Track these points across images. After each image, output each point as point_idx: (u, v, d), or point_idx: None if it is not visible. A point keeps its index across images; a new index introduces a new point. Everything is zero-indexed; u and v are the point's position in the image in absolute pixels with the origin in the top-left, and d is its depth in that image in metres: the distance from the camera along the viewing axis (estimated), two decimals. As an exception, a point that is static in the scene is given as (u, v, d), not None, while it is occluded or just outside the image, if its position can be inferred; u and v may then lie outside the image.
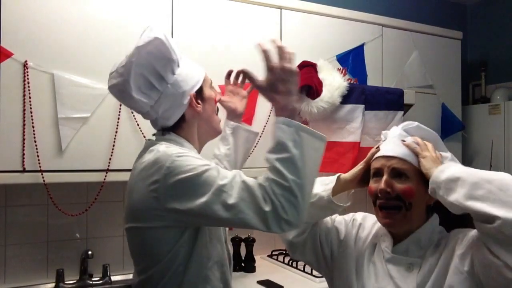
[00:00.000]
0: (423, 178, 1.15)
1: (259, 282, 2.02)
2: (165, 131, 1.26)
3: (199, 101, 1.25)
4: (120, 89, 1.18)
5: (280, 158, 1.06)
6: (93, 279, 2.02)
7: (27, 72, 1.68)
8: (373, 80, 2.51)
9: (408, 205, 1.15)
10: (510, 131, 2.83)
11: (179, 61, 1.22)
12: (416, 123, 1.27)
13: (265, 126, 2.15)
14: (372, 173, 1.24)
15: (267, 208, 1.03)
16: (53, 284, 1.95)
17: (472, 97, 3.34)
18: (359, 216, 1.38)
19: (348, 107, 2.24)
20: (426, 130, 1.26)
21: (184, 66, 1.24)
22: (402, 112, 2.40)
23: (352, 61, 2.44)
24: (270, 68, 1.10)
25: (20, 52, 1.67)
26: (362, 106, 2.26)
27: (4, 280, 1.93)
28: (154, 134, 1.31)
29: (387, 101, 2.35)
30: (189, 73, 1.24)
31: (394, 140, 1.24)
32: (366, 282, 1.22)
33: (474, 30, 3.41)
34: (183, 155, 1.11)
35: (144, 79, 1.17)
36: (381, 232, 1.27)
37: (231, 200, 1.04)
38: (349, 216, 1.40)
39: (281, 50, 1.10)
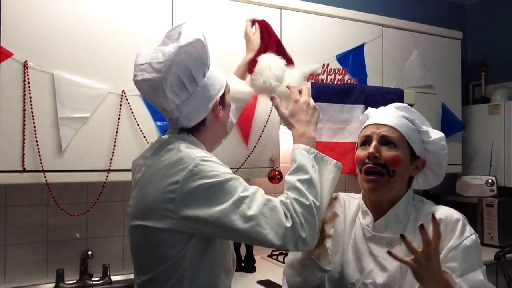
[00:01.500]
0: (410, 148, 1.23)
1: (259, 282, 2.02)
2: (181, 131, 1.23)
3: (221, 107, 1.25)
4: (154, 85, 1.14)
5: (302, 179, 1.13)
6: (93, 279, 2.01)
7: (27, 72, 1.68)
8: (373, 80, 2.51)
9: (391, 172, 1.21)
10: (510, 131, 2.83)
11: (209, 64, 1.22)
12: (404, 104, 1.33)
13: (264, 127, 2.15)
14: (361, 142, 1.29)
15: (288, 224, 1.06)
16: (53, 284, 1.95)
17: (472, 97, 3.34)
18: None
19: (348, 107, 2.24)
20: (414, 112, 1.32)
21: (212, 69, 1.23)
22: (402, 112, 2.40)
23: (352, 61, 2.44)
24: (295, 101, 1.28)
25: (20, 52, 1.67)
26: (362, 106, 2.26)
27: (4, 280, 1.93)
28: (166, 130, 1.30)
29: (387, 101, 2.33)
30: (217, 78, 1.24)
31: (385, 110, 1.30)
32: (348, 261, 1.24)
33: (474, 30, 3.41)
34: (208, 160, 1.10)
35: (178, 79, 1.15)
36: (361, 209, 1.30)
37: (250, 212, 1.06)
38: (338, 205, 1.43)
39: (308, 90, 1.30)
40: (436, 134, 1.28)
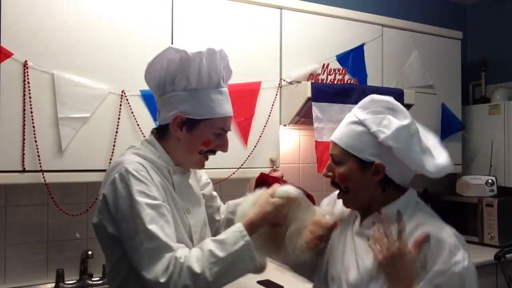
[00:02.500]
0: (358, 160, 1.14)
1: (259, 282, 2.02)
2: (155, 132, 1.32)
3: (184, 129, 1.24)
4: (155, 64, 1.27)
5: (216, 253, 1.11)
6: (93, 279, 2.01)
7: (27, 72, 1.68)
8: (373, 80, 2.51)
9: (345, 188, 1.18)
10: (510, 131, 2.83)
11: (199, 88, 1.23)
12: (370, 97, 1.20)
13: (264, 127, 2.15)
14: None
15: (162, 279, 1.07)
16: (53, 284, 1.95)
17: (472, 97, 3.34)
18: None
19: (348, 107, 2.24)
20: (380, 101, 1.18)
21: (204, 95, 1.23)
22: (402, 112, 2.40)
23: (352, 61, 2.44)
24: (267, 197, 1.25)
25: (20, 52, 1.67)
26: (362, 106, 2.26)
27: (4, 280, 1.93)
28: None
29: (387, 101, 2.35)
30: (200, 102, 1.23)
31: (344, 121, 1.22)
32: (334, 255, 1.23)
33: (474, 30, 3.41)
34: (133, 174, 1.15)
35: (163, 74, 1.24)
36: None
37: (138, 246, 1.10)
38: (327, 200, 1.40)
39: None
40: (390, 129, 1.11)
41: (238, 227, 1.16)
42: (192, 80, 1.22)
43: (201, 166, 1.34)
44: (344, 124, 1.19)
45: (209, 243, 1.14)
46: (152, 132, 1.33)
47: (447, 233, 1.07)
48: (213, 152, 1.31)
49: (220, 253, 1.11)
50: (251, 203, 1.27)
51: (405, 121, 1.11)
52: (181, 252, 1.11)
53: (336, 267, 1.20)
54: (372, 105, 1.17)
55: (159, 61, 1.24)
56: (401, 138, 1.09)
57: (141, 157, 1.23)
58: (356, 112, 1.19)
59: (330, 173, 1.20)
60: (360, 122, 1.15)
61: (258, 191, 1.31)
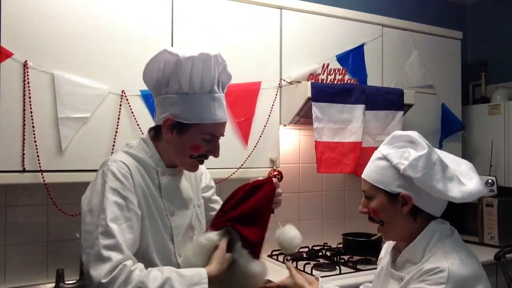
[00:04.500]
0: (386, 193, 1.19)
1: (259, 282, 2.02)
2: (148, 133, 1.32)
3: (174, 132, 1.24)
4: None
5: (174, 286, 1.10)
6: (93, 279, 2.01)
7: (27, 72, 1.67)
8: (373, 80, 2.51)
9: (380, 222, 1.23)
10: (510, 131, 2.83)
11: (190, 93, 1.22)
12: (393, 133, 1.25)
13: (264, 127, 2.15)
14: None
15: (104, 279, 1.06)
16: (53, 284, 1.95)
17: (472, 97, 3.34)
18: None
19: (348, 107, 2.24)
20: (402, 136, 1.22)
21: (195, 100, 1.22)
22: (402, 112, 2.40)
23: (352, 61, 2.44)
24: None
25: (20, 52, 1.67)
26: (362, 106, 2.26)
27: (4, 280, 1.93)
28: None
29: (387, 101, 2.35)
30: (190, 107, 1.22)
31: (371, 158, 1.28)
32: None
33: (474, 30, 3.41)
34: (113, 171, 1.18)
35: (160, 75, 1.24)
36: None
37: (95, 239, 1.10)
38: None
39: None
40: (408, 160, 1.15)
41: (202, 271, 1.14)
42: (183, 84, 1.21)
43: (194, 169, 1.34)
44: (371, 161, 1.26)
45: (169, 271, 1.12)
46: (149, 131, 1.34)
47: (441, 266, 1.08)
48: (205, 157, 1.30)
49: (178, 286, 1.10)
50: (202, 252, 1.20)
51: (422, 152, 1.15)
52: (132, 262, 1.11)
53: None
54: (394, 140, 1.24)
55: (155, 62, 1.23)
56: (419, 168, 1.13)
57: (131, 156, 1.25)
58: (381, 148, 1.25)
59: (365, 209, 1.26)
60: (384, 157, 1.21)
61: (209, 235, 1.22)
